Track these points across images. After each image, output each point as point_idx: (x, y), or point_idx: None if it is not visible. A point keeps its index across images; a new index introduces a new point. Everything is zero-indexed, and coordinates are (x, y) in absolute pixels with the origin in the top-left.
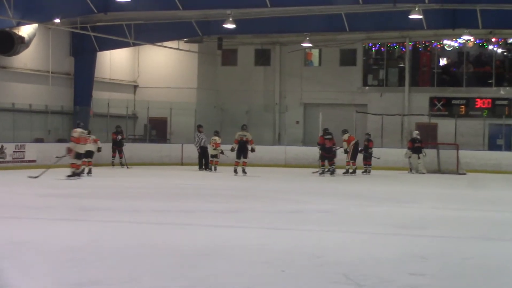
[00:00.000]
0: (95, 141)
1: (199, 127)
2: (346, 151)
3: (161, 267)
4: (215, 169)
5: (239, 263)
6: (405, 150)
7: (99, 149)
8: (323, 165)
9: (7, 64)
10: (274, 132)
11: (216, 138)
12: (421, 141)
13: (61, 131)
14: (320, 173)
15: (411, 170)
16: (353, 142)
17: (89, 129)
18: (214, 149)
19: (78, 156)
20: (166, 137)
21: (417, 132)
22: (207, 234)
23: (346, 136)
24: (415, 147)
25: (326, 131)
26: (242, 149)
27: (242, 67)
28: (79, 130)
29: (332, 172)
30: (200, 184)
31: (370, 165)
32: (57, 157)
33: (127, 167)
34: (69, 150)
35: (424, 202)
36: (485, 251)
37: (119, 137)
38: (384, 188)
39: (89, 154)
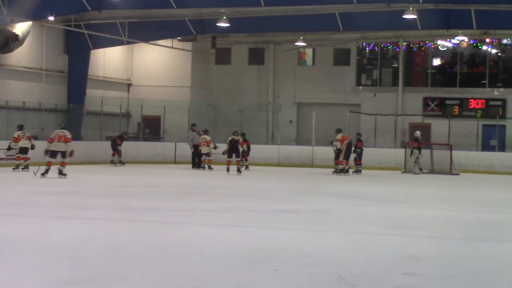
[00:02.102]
0: (29, 138)
1: (192, 126)
2: (339, 151)
3: (153, 266)
4: (210, 167)
5: (232, 262)
6: (410, 151)
7: (32, 147)
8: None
9: (1, 62)
10: (267, 131)
11: (206, 136)
12: (421, 142)
13: (55, 128)
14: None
15: (405, 170)
16: (346, 142)
17: (23, 125)
18: (206, 147)
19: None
20: (159, 136)
21: (420, 132)
22: (199, 233)
23: (339, 136)
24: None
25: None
26: (234, 149)
27: (236, 66)
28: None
29: (355, 171)
30: (193, 183)
31: (360, 164)
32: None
33: (117, 164)
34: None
35: (417, 203)
36: (478, 252)
37: (121, 143)
38: (378, 188)
39: (24, 150)
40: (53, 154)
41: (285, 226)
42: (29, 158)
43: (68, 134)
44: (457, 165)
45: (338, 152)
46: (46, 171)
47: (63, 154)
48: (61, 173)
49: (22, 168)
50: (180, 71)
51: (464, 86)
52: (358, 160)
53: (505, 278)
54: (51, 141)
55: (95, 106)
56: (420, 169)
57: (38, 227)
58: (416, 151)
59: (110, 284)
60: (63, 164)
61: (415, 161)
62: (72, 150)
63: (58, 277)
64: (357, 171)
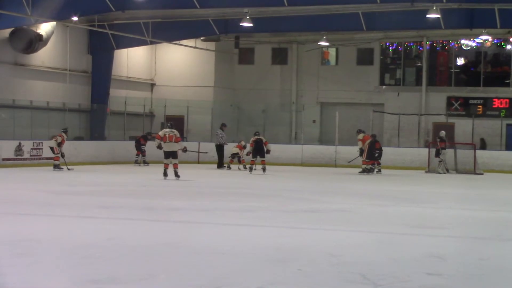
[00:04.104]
0: (59, 136)
1: (223, 126)
2: (361, 151)
3: (177, 265)
4: (245, 167)
5: (255, 261)
6: (436, 150)
7: (58, 145)
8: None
9: (25, 62)
10: (291, 131)
11: (243, 142)
12: (446, 141)
13: (78, 128)
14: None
15: (428, 169)
16: (368, 142)
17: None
18: (236, 148)
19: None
20: (183, 135)
21: (444, 132)
22: (223, 232)
23: (361, 136)
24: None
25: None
26: (259, 149)
27: (259, 65)
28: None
29: (378, 171)
30: (217, 182)
31: (379, 164)
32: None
33: (141, 164)
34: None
35: (441, 202)
36: (502, 252)
37: (145, 143)
38: (401, 188)
39: (52, 150)
40: (167, 155)
41: (309, 226)
42: (56, 158)
43: (177, 134)
44: (480, 164)
45: (361, 153)
46: (165, 173)
47: (174, 155)
48: (176, 174)
49: (53, 168)
50: (203, 71)
51: (488, 85)
52: (377, 160)
53: None
54: (159, 137)
55: (118, 106)
56: (447, 169)
57: (62, 226)
58: (444, 150)
59: (134, 284)
60: (175, 166)
61: (440, 161)
62: (185, 147)
63: (82, 276)
64: (378, 171)
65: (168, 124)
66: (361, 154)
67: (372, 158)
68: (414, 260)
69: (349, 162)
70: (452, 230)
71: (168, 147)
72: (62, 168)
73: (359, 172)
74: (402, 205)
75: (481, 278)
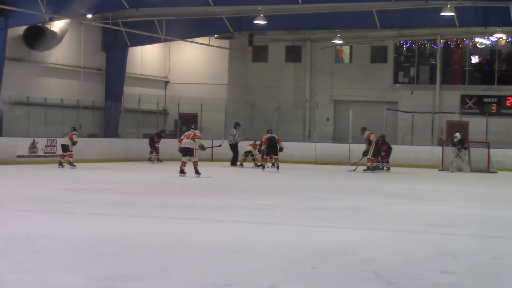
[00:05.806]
0: (75, 135)
1: (237, 126)
2: (365, 152)
3: (190, 263)
4: (257, 165)
5: (268, 259)
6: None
7: (74, 143)
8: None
9: (40, 59)
10: (304, 129)
11: (258, 142)
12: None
13: (92, 126)
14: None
15: (442, 168)
16: (375, 139)
17: (74, 126)
18: (250, 146)
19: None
20: None
21: (459, 134)
22: (236, 230)
23: (366, 134)
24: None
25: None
26: (272, 147)
27: (273, 63)
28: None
29: (387, 169)
30: (230, 180)
31: (388, 162)
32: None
33: (155, 162)
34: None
35: (454, 201)
36: None
37: (159, 140)
38: (414, 186)
39: (64, 147)
40: (184, 152)
41: (321, 224)
42: (67, 156)
43: (197, 133)
44: (494, 163)
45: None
46: (182, 171)
47: (191, 153)
48: (196, 172)
49: (69, 165)
50: (217, 69)
51: (502, 83)
52: (385, 158)
53: None
54: (180, 141)
55: (132, 104)
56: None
57: (76, 223)
58: (465, 151)
59: (147, 281)
60: (195, 164)
61: (453, 160)
62: (201, 145)
63: (96, 273)
64: (387, 169)
65: (192, 126)
66: (364, 155)
67: (377, 156)
68: (427, 258)
69: (349, 171)
70: (465, 229)
71: (183, 143)
72: (75, 166)
73: (364, 170)
74: (415, 203)
75: (494, 276)
